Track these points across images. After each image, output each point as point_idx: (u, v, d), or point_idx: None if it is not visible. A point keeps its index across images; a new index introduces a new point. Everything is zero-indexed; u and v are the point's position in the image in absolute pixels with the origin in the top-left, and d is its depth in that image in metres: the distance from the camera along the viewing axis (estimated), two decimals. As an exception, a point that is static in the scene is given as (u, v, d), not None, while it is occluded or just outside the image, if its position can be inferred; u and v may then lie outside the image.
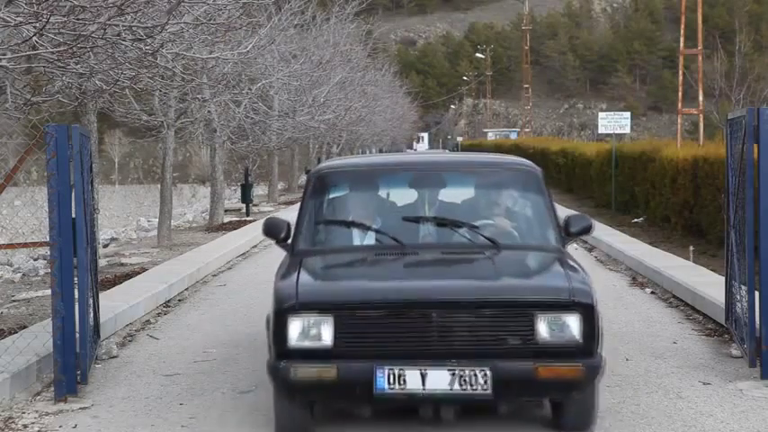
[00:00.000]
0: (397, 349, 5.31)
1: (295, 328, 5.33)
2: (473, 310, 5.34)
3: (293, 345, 5.33)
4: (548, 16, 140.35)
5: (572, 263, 5.99)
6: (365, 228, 6.43)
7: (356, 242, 6.42)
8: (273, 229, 6.50)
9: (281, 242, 6.50)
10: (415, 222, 6.43)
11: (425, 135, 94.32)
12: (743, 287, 7.64)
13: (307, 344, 5.33)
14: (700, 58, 29.00)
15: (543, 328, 5.32)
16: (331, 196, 6.76)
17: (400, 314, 5.34)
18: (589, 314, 5.36)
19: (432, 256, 6.21)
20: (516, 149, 43.79)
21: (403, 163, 7.30)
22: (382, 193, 6.82)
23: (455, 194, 6.80)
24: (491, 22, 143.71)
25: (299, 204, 6.81)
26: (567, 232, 6.47)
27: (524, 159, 7.22)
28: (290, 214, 6.23)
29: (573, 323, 5.34)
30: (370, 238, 6.39)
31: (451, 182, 6.84)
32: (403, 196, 6.76)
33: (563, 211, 11.61)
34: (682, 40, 29.02)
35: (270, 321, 5.56)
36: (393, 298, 5.45)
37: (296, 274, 5.76)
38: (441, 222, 6.40)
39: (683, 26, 28.97)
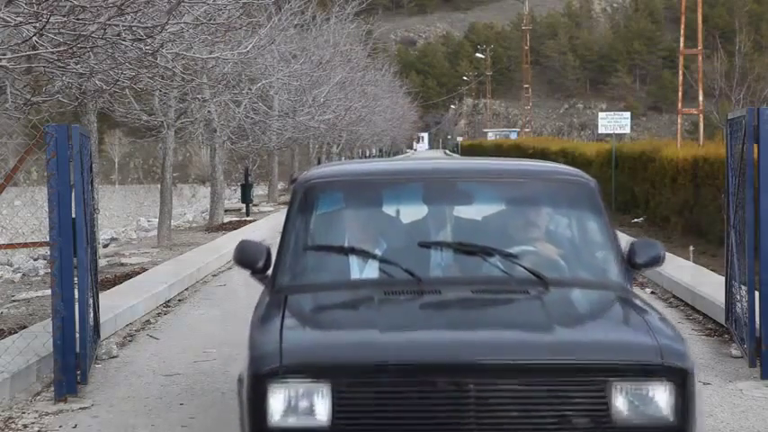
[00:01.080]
0: (418, 430, 3.88)
1: (278, 399, 3.88)
2: (525, 376, 3.88)
3: (275, 423, 3.87)
4: (548, 16, 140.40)
5: (647, 307, 4.53)
6: (368, 256, 4.80)
7: (357, 275, 4.82)
8: (247, 256, 4.89)
9: (257, 273, 4.92)
10: (434, 249, 4.87)
11: (425, 135, 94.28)
12: (743, 287, 7.64)
13: (294, 422, 3.89)
14: (700, 58, 29.00)
15: (620, 402, 3.92)
16: (323, 214, 5.17)
17: (424, 382, 3.87)
18: (684, 383, 3.93)
19: (459, 296, 4.60)
20: (516, 149, 43.80)
21: (415, 171, 5.53)
22: (389, 209, 5.24)
23: (483, 212, 5.32)
24: (491, 22, 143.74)
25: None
26: (632, 263, 4.92)
27: (573, 168, 5.56)
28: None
29: (662, 395, 3.93)
30: (374, 270, 4.77)
31: (479, 196, 5.29)
32: (416, 214, 5.23)
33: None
34: (682, 40, 29.02)
35: (243, 387, 4.04)
36: (413, 359, 3.91)
37: (278, 321, 4.28)
38: (468, 249, 4.78)
39: (683, 26, 28.97)
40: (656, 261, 5.02)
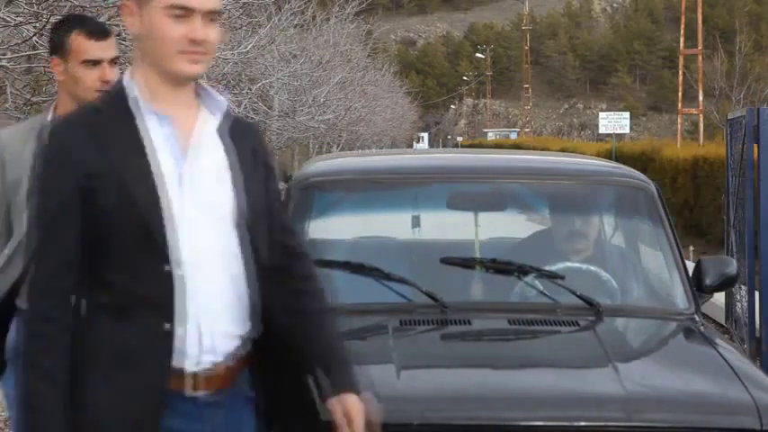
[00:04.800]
0: None
1: None
2: None
3: None
4: (548, 16, 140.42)
5: (724, 343, 3.58)
6: (379, 274, 3.70)
7: (364, 298, 3.72)
8: None
9: None
10: (460, 266, 3.84)
11: (425, 135, 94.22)
12: (743, 287, 7.64)
13: None
14: (700, 58, 29.04)
15: None
16: (323, 221, 4.18)
17: None
18: None
19: (491, 327, 3.74)
20: (516, 149, 43.84)
21: (437, 168, 4.46)
22: (405, 216, 4.35)
23: (519, 222, 4.57)
24: (491, 22, 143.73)
25: None
26: (701, 286, 3.98)
27: (628, 168, 4.49)
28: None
29: None
30: (387, 293, 3.68)
31: (513, 200, 4.44)
32: (437, 222, 4.47)
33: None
34: (682, 40, 29.05)
35: None
36: (443, 418, 2.88)
37: None
38: (502, 267, 3.80)
39: (682, 26, 29.01)
40: (730, 282, 4.13)
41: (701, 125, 28.65)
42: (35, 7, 7.15)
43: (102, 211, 2.28)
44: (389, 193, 4.32)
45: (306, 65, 24.87)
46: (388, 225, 4.43)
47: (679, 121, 29.07)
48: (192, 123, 2.40)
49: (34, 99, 9.17)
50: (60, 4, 7.43)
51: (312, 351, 2.48)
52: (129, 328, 2.30)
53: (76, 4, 7.48)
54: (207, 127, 2.42)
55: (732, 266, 4.09)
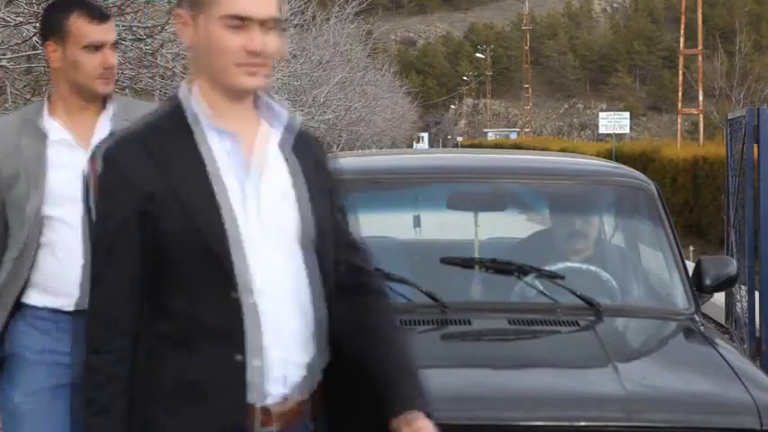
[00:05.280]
0: None
1: None
2: None
3: None
4: (548, 16, 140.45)
5: (724, 343, 3.60)
6: (379, 274, 3.46)
7: None
8: None
9: None
10: (460, 266, 3.86)
11: (425, 135, 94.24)
12: (743, 287, 7.64)
13: None
14: (700, 58, 29.05)
15: None
16: None
17: None
18: None
19: (491, 327, 3.78)
20: (516, 149, 43.84)
21: (436, 168, 4.46)
22: (404, 216, 4.44)
23: (519, 222, 4.62)
24: (491, 22, 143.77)
25: None
26: (701, 286, 3.97)
27: (630, 169, 4.52)
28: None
29: None
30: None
31: (513, 200, 4.48)
32: (437, 222, 4.50)
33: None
34: (682, 40, 29.06)
35: None
36: (443, 418, 2.71)
37: None
38: (502, 267, 3.81)
39: (682, 26, 29.01)
40: (730, 282, 4.12)
41: (701, 125, 28.66)
42: (35, 7, 7.15)
43: (163, 235, 2.14)
44: (389, 193, 4.30)
45: (306, 65, 24.88)
46: (388, 225, 4.41)
47: (679, 121, 29.08)
48: (252, 138, 2.24)
49: (34, 99, 9.17)
50: (60, 4, 7.43)
51: (382, 370, 2.28)
52: (195, 360, 2.14)
53: (76, 4, 7.48)
54: (269, 142, 2.25)
55: (732, 266, 4.08)
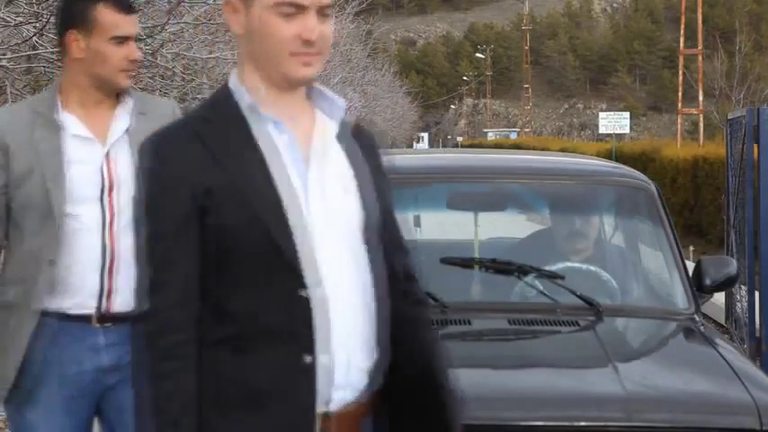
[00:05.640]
0: None
1: None
2: None
3: None
4: (548, 16, 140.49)
5: (725, 343, 3.59)
6: None
7: None
8: None
9: None
10: (460, 266, 3.87)
11: (425, 135, 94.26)
12: (743, 287, 7.64)
13: None
14: (700, 58, 29.04)
15: None
16: None
17: None
18: None
19: (491, 327, 3.80)
20: (516, 149, 43.84)
21: (435, 168, 4.45)
22: (404, 216, 4.03)
23: (519, 222, 4.62)
24: (491, 22, 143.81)
25: None
26: (701, 286, 3.96)
27: (630, 169, 4.53)
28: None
29: None
30: None
31: (513, 201, 4.48)
32: (437, 222, 4.54)
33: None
34: (682, 40, 29.06)
35: None
36: None
37: None
38: (502, 267, 3.81)
39: (682, 26, 29.01)
40: (730, 282, 4.11)
41: (701, 125, 28.67)
42: (35, 7, 7.15)
43: (224, 231, 2.00)
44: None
45: (306, 65, 24.89)
46: None
47: (679, 121, 29.09)
48: (308, 129, 2.12)
49: (34, 99, 9.15)
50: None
51: (422, 386, 2.18)
52: (258, 363, 2.00)
53: (76, 4, 7.48)
54: (327, 132, 2.14)
55: (732, 266, 4.08)
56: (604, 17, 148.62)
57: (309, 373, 2.00)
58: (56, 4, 7.30)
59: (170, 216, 2.02)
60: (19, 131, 2.89)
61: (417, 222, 4.34)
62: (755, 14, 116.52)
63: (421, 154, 5.66)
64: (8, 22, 7.00)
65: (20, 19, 7.11)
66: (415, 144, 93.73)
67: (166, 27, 8.45)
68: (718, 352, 3.33)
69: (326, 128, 2.14)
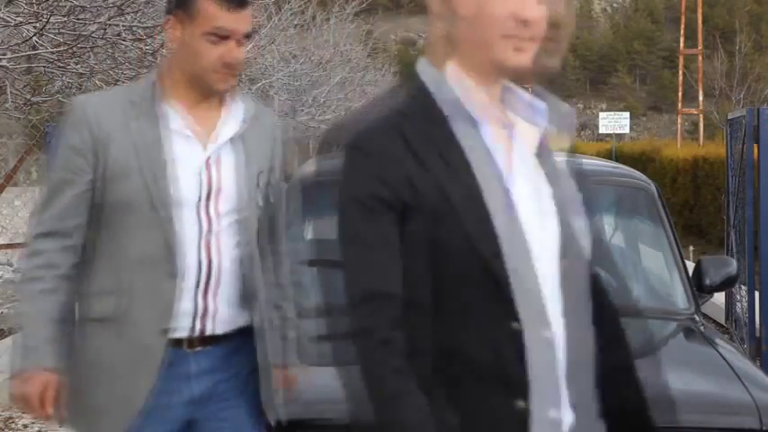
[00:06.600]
0: None
1: None
2: None
3: None
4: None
5: (725, 343, 3.59)
6: None
7: None
8: None
9: None
10: None
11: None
12: (743, 287, 7.64)
13: None
14: (700, 58, 29.06)
15: None
16: (325, 221, 4.06)
17: None
18: None
19: None
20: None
21: None
22: None
23: None
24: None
25: None
26: (701, 286, 4.00)
27: (630, 169, 4.63)
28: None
29: None
30: None
31: None
32: None
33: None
34: (682, 40, 29.07)
35: None
36: None
37: None
38: None
39: (682, 26, 29.02)
40: (730, 282, 4.12)
41: (701, 125, 28.67)
42: (35, 7, 7.16)
43: (426, 245, 1.72)
44: None
45: (306, 65, 24.88)
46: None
47: (679, 121, 29.10)
48: (505, 134, 1.84)
49: (34, 99, 9.17)
50: (60, 4, 7.43)
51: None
52: (459, 406, 1.72)
53: (76, 3, 7.48)
54: (529, 139, 1.86)
55: (732, 266, 4.08)
56: (604, 17, 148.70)
57: (522, 421, 1.73)
58: (56, 4, 7.31)
59: (375, 218, 1.76)
60: (115, 118, 2.54)
61: None
62: (755, 14, 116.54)
63: None
64: (8, 22, 7.00)
65: (20, 19, 7.11)
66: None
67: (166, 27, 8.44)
68: (719, 352, 3.31)
69: (530, 133, 1.88)
